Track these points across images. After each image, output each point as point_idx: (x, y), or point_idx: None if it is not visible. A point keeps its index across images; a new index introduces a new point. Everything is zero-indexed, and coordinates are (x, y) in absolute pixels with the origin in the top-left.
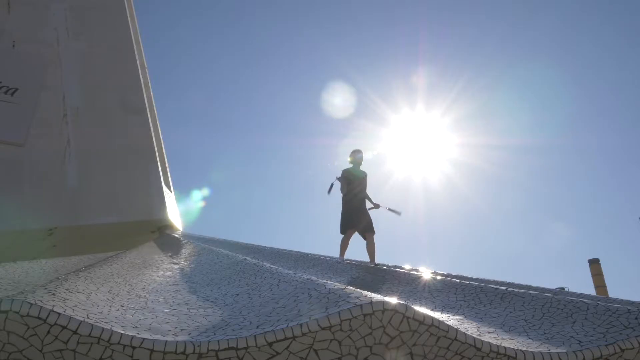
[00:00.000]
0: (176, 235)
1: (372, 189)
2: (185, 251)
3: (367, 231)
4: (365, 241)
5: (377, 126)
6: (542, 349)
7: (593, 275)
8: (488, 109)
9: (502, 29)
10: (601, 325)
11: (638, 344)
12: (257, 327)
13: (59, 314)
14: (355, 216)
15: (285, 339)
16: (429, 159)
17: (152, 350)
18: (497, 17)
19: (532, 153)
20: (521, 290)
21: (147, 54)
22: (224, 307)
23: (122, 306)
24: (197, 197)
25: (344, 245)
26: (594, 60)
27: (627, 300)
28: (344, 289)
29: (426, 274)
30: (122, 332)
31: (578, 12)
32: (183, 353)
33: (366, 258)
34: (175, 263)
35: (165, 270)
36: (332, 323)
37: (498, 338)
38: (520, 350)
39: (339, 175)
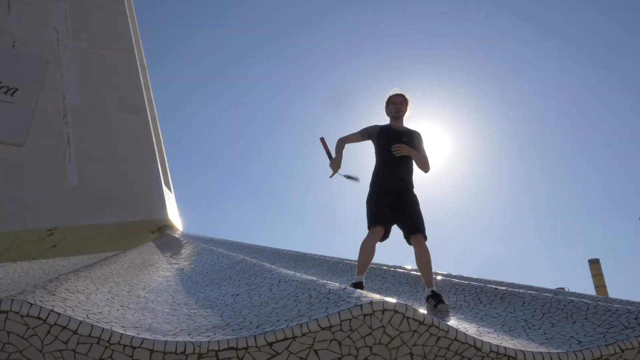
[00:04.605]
0: (176, 235)
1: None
2: (185, 251)
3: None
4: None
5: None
6: (542, 349)
7: (593, 275)
8: (488, 108)
9: (502, 28)
10: (601, 326)
11: (638, 344)
12: (257, 327)
13: (59, 314)
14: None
15: (285, 339)
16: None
17: (152, 351)
18: (497, 17)
19: (532, 153)
20: (521, 291)
21: (147, 54)
22: (224, 307)
23: (122, 306)
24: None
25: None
26: (594, 59)
27: (627, 300)
28: (344, 289)
29: None
30: (122, 332)
31: (578, 12)
32: (183, 353)
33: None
34: (175, 263)
35: (165, 270)
36: (332, 323)
37: (498, 338)
38: (520, 350)
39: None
